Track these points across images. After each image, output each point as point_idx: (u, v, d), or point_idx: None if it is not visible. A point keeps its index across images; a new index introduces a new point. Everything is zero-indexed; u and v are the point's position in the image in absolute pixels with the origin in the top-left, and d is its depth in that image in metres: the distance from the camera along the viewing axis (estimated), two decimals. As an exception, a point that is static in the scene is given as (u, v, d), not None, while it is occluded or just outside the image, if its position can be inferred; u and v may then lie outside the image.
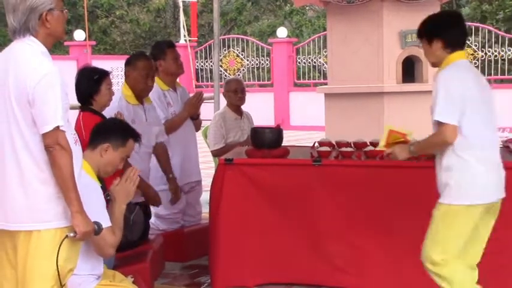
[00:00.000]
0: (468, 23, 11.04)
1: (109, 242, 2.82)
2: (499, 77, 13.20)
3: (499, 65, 12.98)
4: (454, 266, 2.84)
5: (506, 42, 12.76)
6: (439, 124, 2.76)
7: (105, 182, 3.00)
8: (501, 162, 2.88)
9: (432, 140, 2.88)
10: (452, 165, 2.77)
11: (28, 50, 2.55)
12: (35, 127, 2.47)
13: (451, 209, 2.79)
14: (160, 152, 4.14)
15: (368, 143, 4.00)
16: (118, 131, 3.02)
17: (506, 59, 12.94)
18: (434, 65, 2.96)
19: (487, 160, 2.81)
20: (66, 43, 15.14)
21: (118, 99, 3.92)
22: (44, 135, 2.45)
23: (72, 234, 2.48)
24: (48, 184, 2.53)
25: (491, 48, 12.78)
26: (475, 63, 12.30)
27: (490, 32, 13.15)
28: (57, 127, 2.41)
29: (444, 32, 2.84)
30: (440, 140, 2.78)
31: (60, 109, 2.49)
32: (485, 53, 12.72)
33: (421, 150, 2.99)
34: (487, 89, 3.06)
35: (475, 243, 2.89)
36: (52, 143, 2.47)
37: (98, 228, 2.60)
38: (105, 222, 2.71)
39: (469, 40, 11.54)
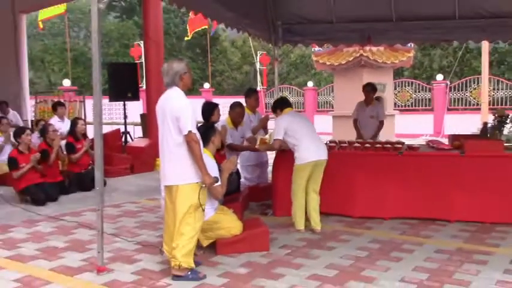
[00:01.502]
0: None
1: (220, 192, 4.51)
2: None
3: None
4: None
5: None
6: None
7: (218, 161, 4.85)
8: None
9: None
10: None
11: (175, 93, 4.13)
12: (180, 131, 4.01)
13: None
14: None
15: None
16: (212, 130, 4.80)
17: None
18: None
19: None
20: (200, 90, 24.55)
21: (224, 120, 6.39)
22: (185, 136, 3.99)
23: (203, 185, 4.09)
24: (186, 160, 4.03)
25: None
26: None
27: None
28: (190, 131, 3.95)
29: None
30: None
31: (189, 121, 3.96)
32: None
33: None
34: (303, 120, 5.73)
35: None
36: (189, 139, 3.97)
37: (217, 180, 4.28)
38: (218, 182, 4.37)
39: None
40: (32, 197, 7.20)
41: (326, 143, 6.47)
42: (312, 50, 15.60)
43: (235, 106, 6.62)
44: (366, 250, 4.85)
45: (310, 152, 5.50)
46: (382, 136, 8.34)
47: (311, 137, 5.64)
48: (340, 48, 13.71)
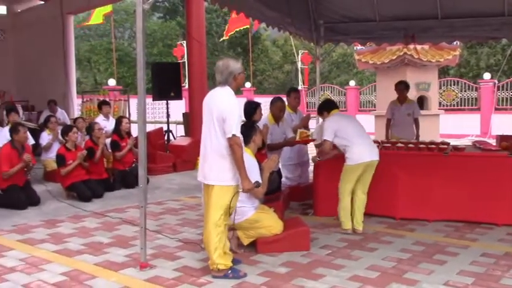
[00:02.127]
0: None
1: (260, 191, 4.53)
2: None
3: None
4: None
5: None
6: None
7: (259, 160, 4.84)
8: None
9: None
10: None
11: (225, 93, 4.04)
12: (224, 133, 3.93)
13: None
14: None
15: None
16: (253, 130, 4.81)
17: None
18: None
19: None
20: (242, 89, 24.42)
21: (265, 118, 6.42)
22: (228, 139, 3.90)
23: (240, 190, 4.05)
24: (226, 162, 3.98)
25: None
26: None
27: None
28: (234, 134, 3.86)
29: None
30: None
31: (235, 125, 3.86)
32: None
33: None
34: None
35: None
36: (232, 143, 3.88)
37: (258, 185, 4.29)
38: (258, 187, 4.36)
39: None
40: (78, 193, 7.41)
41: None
42: (354, 48, 15.45)
43: (276, 100, 6.62)
44: (408, 252, 4.76)
45: (363, 153, 5.41)
46: (426, 136, 8.16)
47: (362, 137, 5.56)
48: (383, 47, 13.49)
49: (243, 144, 4.06)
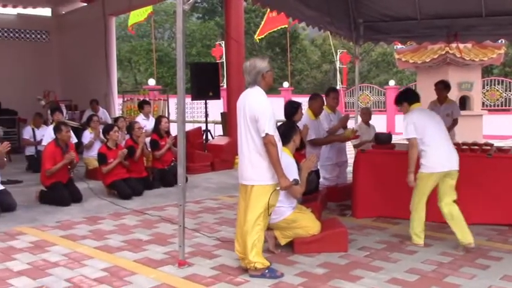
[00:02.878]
0: None
1: (299, 190, 4.50)
2: None
3: None
4: None
5: None
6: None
7: (297, 160, 4.81)
8: None
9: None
10: None
11: (255, 93, 4.06)
12: (258, 133, 3.93)
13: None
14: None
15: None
16: (293, 130, 4.87)
17: None
18: None
19: None
20: (280, 89, 24.65)
21: (305, 119, 6.38)
22: (263, 138, 3.91)
23: (278, 188, 4.05)
24: (263, 161, 3.97)
25: None
26: None
27: None
28: (267, 133, 3.85)
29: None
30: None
31: (268, 123, 3.86)
32: None
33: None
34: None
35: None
36: (266, 141, 3.89)
37: (296, 182, 4.25)
38: (297, 185, 4.35)
39: None
40: (119, 191, 7.56)
41: (408, 144, 6.28)
42: (394, 47, 15.20)
43: (316, 96, 6.69)
44: (449, 256, 4.65)
45: (441, 161, 4.83)
46: (469, 137, 7.95)
47: (443, 141, 4.93)
48: (425, 46, 13.22)
49: (279, 143, 4.05)
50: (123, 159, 7.73)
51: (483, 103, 18.19)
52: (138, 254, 4.77)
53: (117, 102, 14.85)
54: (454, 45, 12.05)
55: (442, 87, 7.93)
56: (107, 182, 7.72)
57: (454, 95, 13.06)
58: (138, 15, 20.33)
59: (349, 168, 7.36)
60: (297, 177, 4.45)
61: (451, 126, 7.78)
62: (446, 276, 4.10)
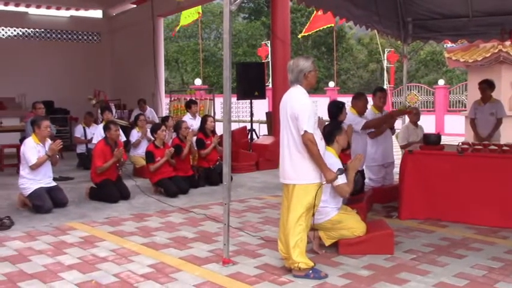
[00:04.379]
0: None
1: (346, 190, 4.46)
2: None
3: None
4: None
5: None
6: None
7: (343, 160, 4.70)
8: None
9: None
10: None
11: (296, 91, 4.06)
12: (298, 131, 3.94)
13: None
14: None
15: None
16: (337, 129, 4.75)
17: None
18: None
19: None
20: (325, 88, 24.73)
21: (350, 116, 6.28)
22: (301, 135, 3.93)
23: (324, 183, 4.06)
24: (305, 160, 3.98)
25: None
26: None
27: None
28: (306, 131, 3.85)
29: None
30: None
31: (307, 121, 3.86)
32: None
33: None
34: None
35: None
36: (305, 139, 3.90)
37: (340, 173, 4.18)
38: (343, 180, 4.41)
39: None
40: (165, 189, 7.68)
41: (458, 145, 6.16)
42: (444, 46, 14.82)
43: (361, 95, 6.66)
44: (500, 261, 4.49)
45: None
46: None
47: None
48: (476, 44, 12.82)
49: (321, 142, 4.05)
50: (170, 158, 7.86)
51: (538, 103, 17.46)
52: (183, 252, 4.84)
53: (165, 102, 15.11)
54: (507, 43, 11.65)
55: (486, 86, 7.75)
56: (153, 180, 7.86)
57: (507, 94, 12.64)
58: (186, 18, 20.60)
59: (396, 169, 7.25)
60: (342, 177, 4.40)
61: (495, 125, 7.63)
62: (498, 282, 3.97)
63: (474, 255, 4.65)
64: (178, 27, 22.76)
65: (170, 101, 12.99)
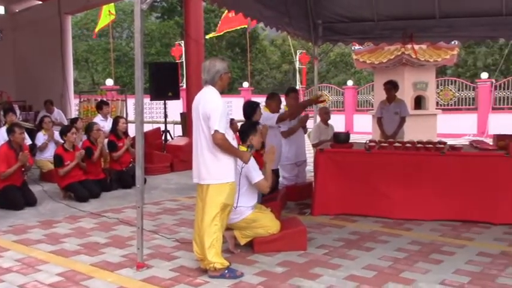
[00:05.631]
0: None
1: (265, 185, 4.57)
2: None
3: None
4: None
5: None
6: None
7: (258, 160, 4.73)
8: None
9: None
10: None
11: (209, 92, 4.07)
12: (209, 129, 3.95)
13: None
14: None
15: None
16: (252, 130, 4.66)
17: None
18: None
19: None
20: (240, 89, 24.93)
21: (264, 114, 6.33)
22: (212, 135, 3.94)
23: (243, 166, 4.32)
24: (217, 160, 4.00)
25: None
26: None
27: None
28: (216, 130, 3.87)
29: None
30: None
31: (219, 121, 3.87)
32: None
33: None
34: None
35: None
36: (214, 138, 3.93)
37: (251, 149, 4.41)
38: (261, 176, 4.54)
39: None
40: (75, 193, 7.39)
41: (365, 143, 6.43)
42: (352, 48, 15.44)
43: (274, 95, 6.80)
44: (405, 252, 4.76)
45: None
46: (424, 136, 8.17)
47: None
48: (381, 46, 13.50)
49: (233, 142, 4.10)
50: (81, 161, 7.56)
51: (437, 103, 18.68)
52: (95, 258, 4.69)
53: (74, 103, 14.53)
54: (409, 46, 12.33)
55: (391, 86, 8.15)
56: (62, 185, 7.54)
57: (409, 94, 13.42)
58: (103, 19, 20.03)
59: (308, 167, 7.47)
60: (260, 174, 4.55)
61: (399, 124, 8.01)
62: (402, 272, 4.20)
63: (381, 247, 4.89)
64: (97, 29, 22.00)
65: (80, 102, 12.51)
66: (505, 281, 3.98)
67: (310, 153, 7.59)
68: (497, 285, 3.89)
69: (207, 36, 25.55)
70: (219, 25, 23.03)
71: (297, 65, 26.71)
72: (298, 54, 26.33)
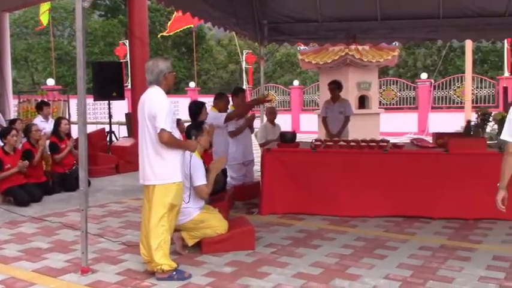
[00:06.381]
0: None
1: (205, 191, 4.58)
2: None
3: None
4: None
5: None
6: None
7: (205, 161, 4.83)
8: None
9: None
10: None
11: (154, 92, 4.04)
12: (156, 130, 3.93)
13: None
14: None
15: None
16: (199, 130, 4.67)
17: None
18: None
19: None
20: (186, 89, 24.63)
21: (211, 114, 6.43)
22: (158, 134, 3.92)
23: (192, 155, 4.42)
24: (163, 160, 3.98)
25: None
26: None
27: None
28: (162, 129, 3.86)
29: None
30: None
31: (165, 120, 3.85)
32: None
33: None
34: None
35: None
36: (160, 136, 3.91)
37: (196, 131, 4.58)
38: (204, 181, 4.53)
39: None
40: (15, 197, 7.12)
41: (311, 142, 6.52)
42: (298, 48, 15.63)
43: (222, 95, 6.87)
44: (350, 248, 4.87)
45: None
46: (367, 134, 8.37)
47: None
48: (326, 47, 13.72)
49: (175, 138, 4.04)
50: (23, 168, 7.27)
51: (380, 102, 19.19)
52: (37, 263, 4.53)
53: (12, 103, 13.97)
54: (352, 47, 12.63)
55: (335, 86, 8.29)
56: (1, 189, 7.24)
57: (353, 94, 13.72)
58: (44, 17, 19.33)
59: (256, 167, 7.50)
60: (205, 179, 4.56)
61: (344, 123, 8.16)
62: (348, 268, 4.30)
63: (328, 245, 4.98)
64: (44, 27, 21.22)
65: (19, 102, 12.07)
66: (445, 273, 4.15)
67: (257, 153, 7.62)
68: (438, 278, 4.05)
69: (158, 36, 25.25)
70: (170, 24, 22.70)
71: (244, 65, 26.77)
72: (244, 54, 26.39)
